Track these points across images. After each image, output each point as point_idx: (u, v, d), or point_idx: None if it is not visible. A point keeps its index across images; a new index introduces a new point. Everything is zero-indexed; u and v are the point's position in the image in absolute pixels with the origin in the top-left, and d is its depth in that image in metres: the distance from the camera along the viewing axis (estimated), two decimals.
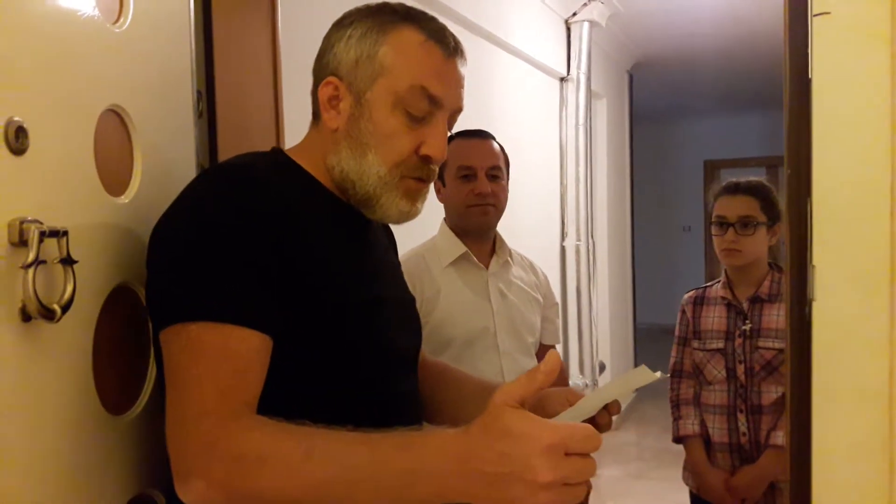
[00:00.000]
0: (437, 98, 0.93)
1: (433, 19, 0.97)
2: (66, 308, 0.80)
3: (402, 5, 0.97)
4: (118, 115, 0.96)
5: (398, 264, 1.17)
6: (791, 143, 0.96)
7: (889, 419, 0.91)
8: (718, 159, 8.41)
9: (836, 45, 0.92)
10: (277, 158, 1.00)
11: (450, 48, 0.95)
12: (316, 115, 1.01)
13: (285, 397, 0.85)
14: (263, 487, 0.73)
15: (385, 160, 0.94)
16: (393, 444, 0.74)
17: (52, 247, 0.79)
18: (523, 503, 0.66)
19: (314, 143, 1.01)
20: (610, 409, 0.89)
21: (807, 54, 0.94)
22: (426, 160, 0.95)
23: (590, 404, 0.84)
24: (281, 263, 0.85)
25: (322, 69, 0.98)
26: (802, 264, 0.96)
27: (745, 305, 1.99)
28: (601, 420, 0.90)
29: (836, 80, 0.92)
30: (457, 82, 0.96)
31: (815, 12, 0.91)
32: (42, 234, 0.76)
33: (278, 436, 0.76)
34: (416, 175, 0.96)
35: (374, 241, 1.07)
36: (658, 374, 0.80)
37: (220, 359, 0.80)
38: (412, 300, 1.13)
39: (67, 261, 0.80)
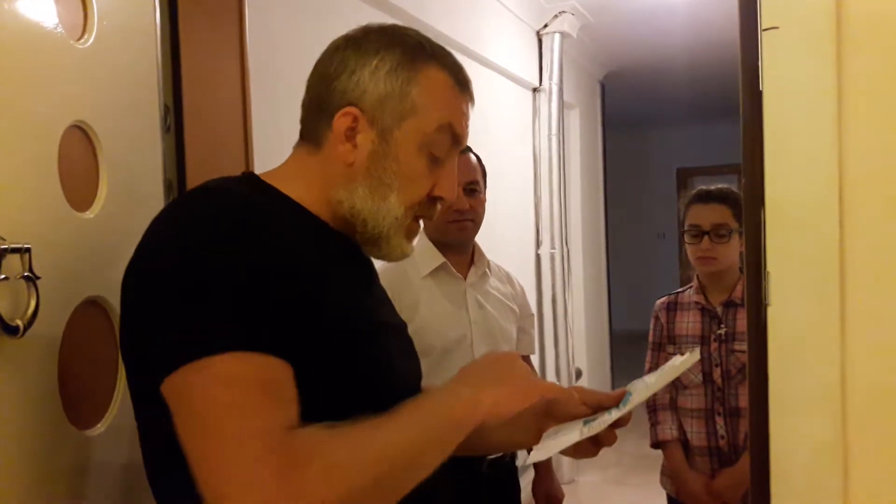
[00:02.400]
0: (460, 137, 0.94)
1: (450, 55, 0.96)
2: (29, 324, 0.80)
3: (422, 37, 0.94)
4: (83, 130, 0.97)
5: (385, 291, 1.11)
6: (746, 153, 0.99)
7: (842, 420, 0.93)
8: (691, 167, 8.52)
9: (785, 58, 0.95)
10: (254, 183, 0.92)
11: (470, 92, 0.95)
12: (310, 137, 0.93)
13: None
14: (358, 474, 0.73)
15: (403, 202, 0.91)
16: (412, 404, 0.82)
17: (15, 263, 0.79)
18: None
19: (309, 170, 0.93)
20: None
21: (758, 67, 0.97)
22: (435, 200, 0.94)
23: (639, 398, 0.95)
24: (291, 289, 0.79)
25: (336, 94, 0.91)
26: (758, 270, 0.99)
27: (720, 310, 2.02)
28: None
29: (785, 92, 0.96)
30: (468, 119, 0.97)
31: (764, 27, 0.95)
32: (4, 251, 0.77)
33: (338, 430, 0.75)
34: (423, 215, 0.95)
35: (369, 268, 1.03)
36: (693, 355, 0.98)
37: (263, 388, 0.72)
38: (405, 326, 1.08)
39: (31, 277, 0.81)
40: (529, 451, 0.98)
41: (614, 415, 0.94)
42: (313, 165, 0.93)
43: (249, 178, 0.93)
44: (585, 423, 0.95)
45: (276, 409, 0.72)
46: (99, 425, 0.96)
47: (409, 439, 0.78)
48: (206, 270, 0.75)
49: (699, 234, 2.01)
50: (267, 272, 0.77)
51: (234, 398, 0.71)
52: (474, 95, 0.97)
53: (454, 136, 0.93)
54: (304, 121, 0.95)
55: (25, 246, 0.80)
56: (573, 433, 0.93)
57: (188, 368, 0.71)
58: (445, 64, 0.93)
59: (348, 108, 0.89)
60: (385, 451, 0.76)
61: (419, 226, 0.97)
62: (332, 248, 0.92)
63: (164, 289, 0.76)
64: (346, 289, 0.91)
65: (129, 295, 0.80)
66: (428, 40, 0.95)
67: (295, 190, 0.91)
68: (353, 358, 0.85)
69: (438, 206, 0.96)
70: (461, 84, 0.94)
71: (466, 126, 0.95)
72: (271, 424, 0.71)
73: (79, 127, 0.96)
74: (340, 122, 0.89)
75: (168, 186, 1.18)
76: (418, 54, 0.91)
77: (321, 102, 0.92)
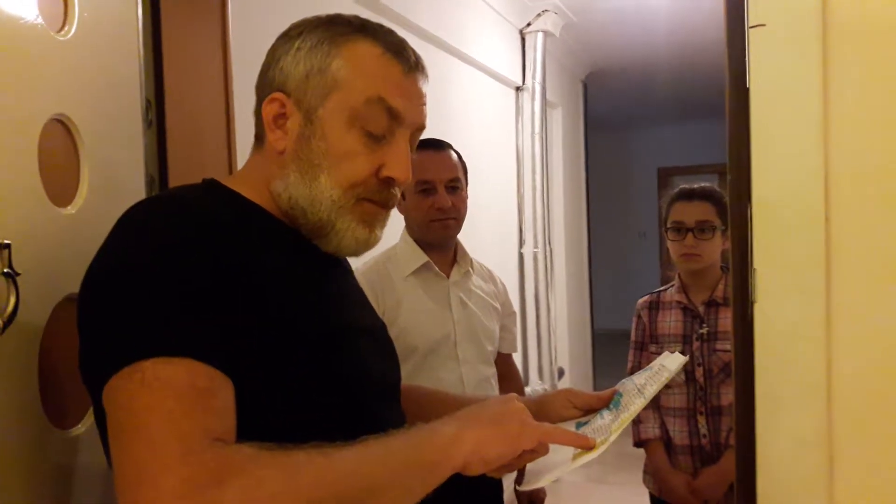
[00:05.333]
0: (397, 111, 0.86)
1: (391, 32, 0.89)
2: (9, 321, 0.78)
3: (357, 17, 0.90)
4: (64, 124, 0.95)
5: (362, 291, 1.07)
6: (732, 150, 1.00)
7: (827, 416, 0.94)
8: (672, 166, 8.59)
9: (772, 55, 0.96)
10: (212, 189, 0.89)
11: (410, 63, 0.88)
12: (259, 136, 0.91)
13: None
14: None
15: (339, 182, 0.85)
16: (383, 437, 0.75)
17: None
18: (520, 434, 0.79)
19: (257, 169, 0.91)
20: None
21: (745, 64, 0.97)
22: (388, 183, 0.87)
23: (634, 407, 0.90)
24: (238, 293, 0.75)
25: (266, 85, 0.89)
26: (745, 267, 0.99)
27: (701, 309, 2.02)
28: None
29: (772, 89, 0.96)
30: (418, 97, 0.89)
31: (751, 24, 0.95)
32: None
33: (277, 450, 0.69)
34: (375, 198, 0.88)
35: (338, 268, 0.98)
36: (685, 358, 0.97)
37: (191, 395, 0.67)
38: (383, 326, 1.04)
39: (10, 274, 0.79)
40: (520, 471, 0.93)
41: (607, 418, 0.90)
42: (257, 163, 0.91)
43: (210, 185, 0.90)
44: (578, 425, 0.92)
45: (202, 417, 0.67)
46: (80, 425, 0.95)
47: (363, 473, 0.71)
48: (139, 279, 0.72)
49: (683, 230, 2.02)
50: (209, 280, 0.73)
51: (156, 401, 0.66)
52: (426, 71, 0.90)
53: (389, 110, 0.85)
54: (255, 125, 0.92)
55: (5, 242, 0.79)
56: (566, 455, 0.86)
57: (119, 375, 0.68)
58: (376, 36, 0.87)
59: (273, 95, 0.87)
60: (327, 480, 0.68)
61: (380, 212, 0.90)
62: (294, 250, 0.88)
63: (99, 299, 0.74)
64: (308, 291, 0.87)
65: (79, 305, 0.77)
66: (362, 20, 0.89)
67: (249, 192, 0.89)
68: (319, 362, 0.82)
69: (396, 191, 0.90)
70: (394, 52, 0.87)
71: (408, 99, 0.87)
72: (192, 430, 0.66)
73: (59, 120, 0.94)
74: (268, 109, 0.87)
75: (150, 182, 1.16)
76: (344, 29, 0.87)
77: (257, 99, 0.90)
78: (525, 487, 0.87)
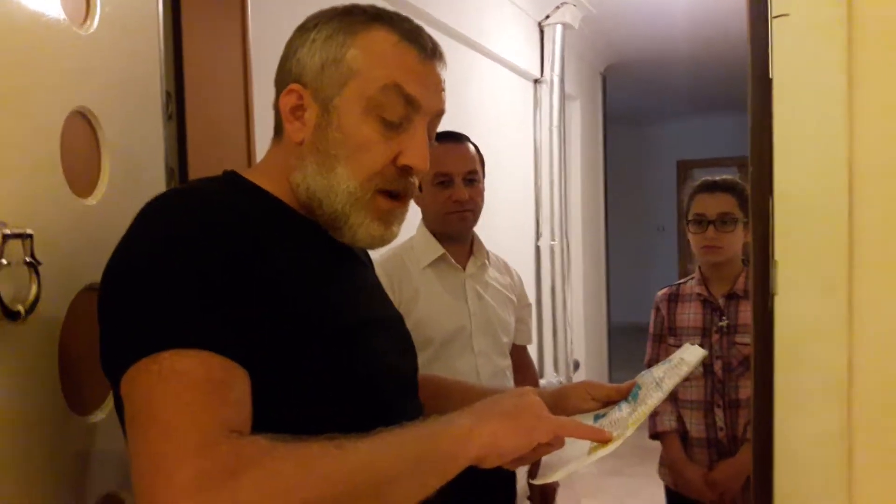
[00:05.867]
0: (414, 98, 0.85)
1: (407, 20, 0.89)
2: (30, 309, 0.79)
3: (373, 6, 0.89)
4: (85, 116, 0.96)
5: (380, 284, 1.08)
6: (754, 142, 0.99)
7: (847, 410, 0.93)
8: (691, 159, 8.51)
9: (795, 46, 0.94)
10: (233, 181, 0.89)
11: (427, 49, 0.87)
12: (278, 128, 0.92)
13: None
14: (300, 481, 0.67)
15: (356, 173, 0.85)
16: (397, 429, 0.75)
17: (16, 248, 0.79)
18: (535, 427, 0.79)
19: (276, 161, 0.91)
20: None
21: (768, 55, 0.96)
22: (405, 171, 0.87)
23: (652, 401, 0.89)
24: (254, 286, 0.75)
25: (284, 77, 0.89)
26: (766, 260, 0.98)
27: (721, 302, 2.01)
28: None
29: (796, 80, 0.95)
30: (436, 84, 0.88)
31: (774, 14, 0.94)
32: (6, 237, 0.76)
33: (293, 442, 0.69)
34: (393, 188, 0.87)
35: (355, 261, 0.97)
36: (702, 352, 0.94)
37: (207, 386, 0.68)
38: (400, 319, 1.03)
39: (32, 263, 0.80)
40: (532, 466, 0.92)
41: (625, 411, 0.89)
42: (277, 155, 0.91)
43: (230, 177, 0.90)
44: (596, 418, 0.91)
45: (218, 408, 0.68)
46: (98, 411, 0.96)
47: (377, 465, 0.71)
48: (158, 271, 0.72)
49: (704, 222, 2.01)
50: (225, 272, 0.73)
51: (173, 393, 0.67)
52: (444, 58, 0.89)
53: (406, 97, 0.85)
54: (275, 117, 0.93)
55: (27, 232, 0.80)
56: (582, 449, 0.84)
57: (137, 366, 0.69)
58: (392, 24, 0.86)
59: (291, 86, 0.87)
60: (342, 471, 0.69)
61: (396, 206, 0.89)
62: (312, 243, 0.89)
63: (119, 290, 0.75)
64: (325, 284, 0.87)
65: (99, 295, 0.78)
66: (378, 8, 0.88)
67: (269, 184, 0.89)
68: (334, 356, 0.82)
69: (414, 180, 0.89)
70: (410, 39, 0.86)
71: (425, 85, 0.86)
72: (209, 422, 0.66)
73: (81, 113, 0.95)
74: (285, 101, 0.87)
75: (170, 173, 1.17)
76: (359, 18, 0.87)
77: (276, 92, 0.91)
78: (539, 481, 0.86)
